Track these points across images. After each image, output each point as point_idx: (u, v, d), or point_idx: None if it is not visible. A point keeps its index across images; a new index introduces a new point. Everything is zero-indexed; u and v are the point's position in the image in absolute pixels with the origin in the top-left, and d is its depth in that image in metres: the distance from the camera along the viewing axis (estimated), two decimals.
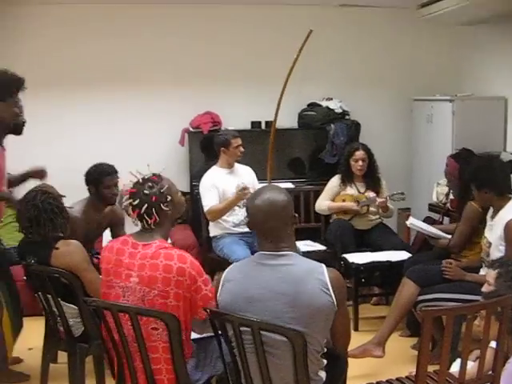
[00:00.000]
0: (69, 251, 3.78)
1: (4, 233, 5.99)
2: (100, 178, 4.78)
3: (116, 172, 4.88)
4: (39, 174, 4.62)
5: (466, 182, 4.74)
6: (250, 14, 7.24)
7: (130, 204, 3.10)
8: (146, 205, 3.06)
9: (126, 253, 3.11)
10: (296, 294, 2.70)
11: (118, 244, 3.17)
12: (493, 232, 4.37)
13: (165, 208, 3.10)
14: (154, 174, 3.19)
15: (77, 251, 3.79)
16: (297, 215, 2.93)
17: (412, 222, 5.48)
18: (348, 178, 6.13)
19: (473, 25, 7.02)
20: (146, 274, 3.00)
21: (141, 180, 3.16)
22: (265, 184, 4.90)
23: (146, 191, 3.09)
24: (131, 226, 3.37)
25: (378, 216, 6.12)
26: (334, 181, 6.22)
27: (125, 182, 3.23)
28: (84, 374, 3.90)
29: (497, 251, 4.27)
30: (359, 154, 6.03)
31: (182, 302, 3.00)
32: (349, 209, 6.04)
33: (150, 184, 3.12)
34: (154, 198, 3.08)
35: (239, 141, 5.88)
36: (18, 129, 4.48)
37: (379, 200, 5.95)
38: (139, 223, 3.15)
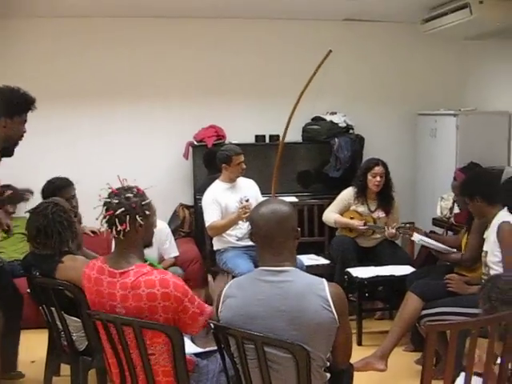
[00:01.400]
0: (75, 266, 3.76)
1: (8, 244, 6.02)
2: (56, 192, 4.74)
3: (72, 184, 4.86)
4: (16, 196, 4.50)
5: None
6: (255, 28, 7.25)
7: (108, 203, 3.00)
8: (122, 208, 2.96)
9: (104, 282, 3.01)
10: (297, 311, 2.68)
11: (95, 273, 3.07)
12: (488, 241, 4.38)
13: (139, 220, 3.00)
14: (139, 187, 3.13)
15: (82, 267, 3.77)
16: (299, 229, 2.92)
17: (419, 238, 5.45)
18: (362, 193, 6.07)
19: (477, 39, 7.03)
20: (131, 304, 2.93)
21: (125, 186, 3.09)
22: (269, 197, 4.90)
23: (128, 195, 3.01)
24: None
25: (383, 235, 6.07)
26: (347, 194, 6.16)
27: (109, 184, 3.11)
28: None
29: (493, 256, 4.29)
30: (378, 169, 5.96)
31: (172, 323, 2.97)
32: (355, 228, 6.02)
33: (134, 191, 3.06)
34: (133, 205, 2.99)
35: (241, 158, 5.86)
36: (8, 151, 4.41)
37: (388, 232, 5.89)
38: (105, 228, 3.03)
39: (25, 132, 4.38)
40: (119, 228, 2.96)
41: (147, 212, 3.06)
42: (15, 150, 4.33)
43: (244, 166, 5.88)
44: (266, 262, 2.83)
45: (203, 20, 7.11)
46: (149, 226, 3.11)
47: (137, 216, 2.99)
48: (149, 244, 3.19)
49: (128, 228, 2.97)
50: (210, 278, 6.08)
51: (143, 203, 3.04)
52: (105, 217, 3.00)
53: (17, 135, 4.10)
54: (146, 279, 2.91)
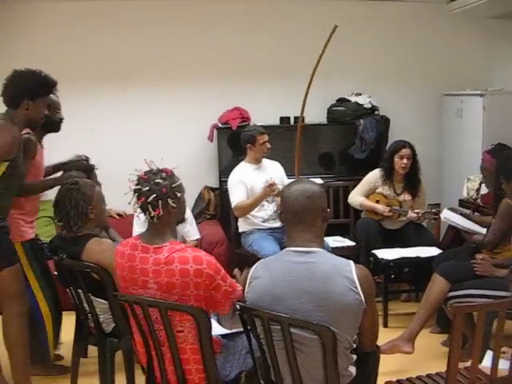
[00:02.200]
0: (102, 249, 3.78)
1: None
2: None
3: (92, 169, 4.92)
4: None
5: (498, 175, 4.71)
6: (277, 8, 7.21)
7: (138, 190, 3.04)
8: (154, 194, 3.00)
9: (137, 258, 3.06)
10: (323, 292, 2.68)
11: (128, 249, 3.12)
12: None
13: (171, 203, 3.05)
14: (167, 168, 3.15)
15: (109, 250, 3.77)
16: (329, 210, 2.92)
17: (446, 215, 5.43)
18: (389, 175, 6.04)
19: (503, 18, 6.95)
20: (163, 280, 2.96)
21: (154, 170, 3.12)
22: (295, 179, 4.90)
23: (158, 180, 3.03)
24: None
25: (408, 218, 6.02)
26: (373, 176, 6.14)
27: (137, 170, 3.13)
28: (114, 369, 3.92)
29: None
30: (405, 151, 5.92)
31: (203, 302, 2.99)
32: (380, 212, 6.01)
33: (163, 175, 3.08)
34: (164, 190, 3.02)
35: (265, 137, 5.87)
36: (55, 126, 4.55)
37: (412, 215, 5.86)
38: (141, 215, 3.10)
39: (59, 110, 4.58)
40: (153, 214, 3.01)
41: (178, 194, 3.10)
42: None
43: (269, 146, 5.88)
44: (294, 241, 2.83)
45: (226, 1, 7.09)
46: (180, 206, 3.15)
47: (169, 199, 3.04)
48: (181, 220, 3.38)
49: (162, 213, 3.02)
50: (236, 271, 6.09)
51: (173, 186, 3.08)
52: (137, 204, 3.05)
53: (39, 117, 4.14)
54: (179, 255, 2.96)
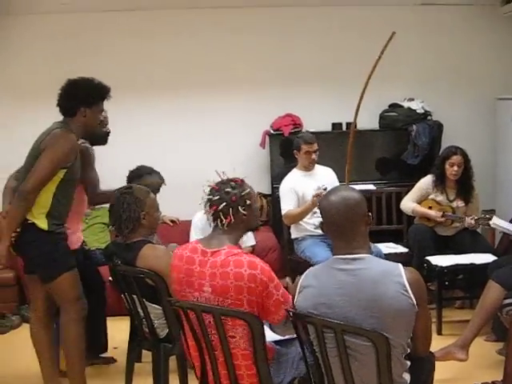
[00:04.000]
0: (155, 255, 3.84)
1: (89, 234, 6.19)
2: (135, 180, 4.92)
3: (150, 173, 5.05)
4: None
5: None
6: (330, 15, 7.22)
7: (209, 199, 3.13)
8: (224, 203, 3.09)
9: (196, 261, 3.11)
10: (374, 298, 2.67)
11: (187, 252, 3.17)
12: None
13: (242, 211, 3.12)
14: (238, 178, 3.23)
15: (163, 256, 3.82)
16: (370, 214, 2.91)
17: (495, 221, 5.36)
18: (440, 181, 6.00)
19: None
20: (218, 283, 2.99)
21: (225, 180, 3.20)
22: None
23: (227, 189, 3.12)
24: None
25: (462, 225, 5.96)
26: (425, 182, 6.10)
27: (209, 181, 3.23)
28: (168, 373, 3.96)
29: None
30: (456, 158, 5.87)
31: (255, 308, 3.00)
32: (433, 219, 5.95)
33: (232, 184, 3.16)
34: (233, 198, 3.10)
35: (311, 147, 5.84)
36: (103, 139, 4.66)
37: (470, 221, 5.79)
38: (213, 223, 3.17)
39: (106, 124, 4.69)
40: (224, 221, 3.10)
41: (248, 201, 3.16)
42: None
43: (313, 157, 5.86)
44: (340, 250, 2.83)
45: (278, 9, 7.12)
46: (252, 213, 3.22)
47: (239, 207, 3.11)
48: (254, 228, 3.40)
49: (233, 220, 3.10)
50: (287, 279, 6.10)
51: (243, 194, 3.15)
52: (209, 212, 3.15)
53: (95, 124, 4.25)
54: (235, 259, 3.00)
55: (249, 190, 3.20)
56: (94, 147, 4.62)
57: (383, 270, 2.75)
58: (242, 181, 3.22)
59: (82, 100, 4.09)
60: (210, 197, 3.14)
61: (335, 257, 2.84)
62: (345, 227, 2.80)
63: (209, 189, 3.18)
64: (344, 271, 2.76)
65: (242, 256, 3.03)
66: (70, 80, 4.16)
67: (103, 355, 4.97)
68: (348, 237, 2.80)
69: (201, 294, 3.06)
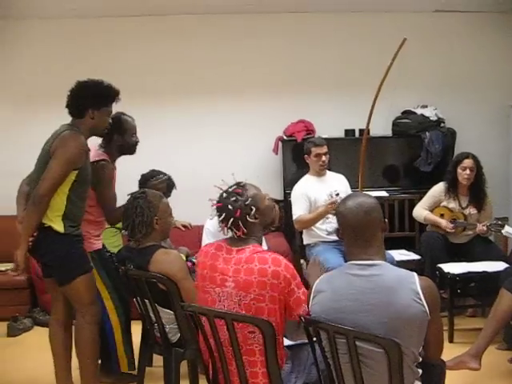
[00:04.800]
0: (168, 260, 3.86)
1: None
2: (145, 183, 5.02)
3: (157, 174, 5.17)
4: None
5: None
6: (343, 21, 7.25)
7: (218, 216, 3.20)
8: (231, 219, 3.13)
9: (220, 258, 3.17)
10: (388, 305, 2.67)
11: (213, 249, 3.24)
12: None
13: (251, 220, 3.15)
14: (238, 186, 3.24)
15: (176, 261, 3.86)
16: (386, 220, 2.93)
17: (508, 230, 5.35)
18: (453, 188, 6.00)
19: None
20: (242, 278, 3.04)
21: (224, 194, 3.22)
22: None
23: (229, 206, 3.15)
24: None
25: (474, 232, 5.95)
26: (438, 189, 6.10)
27: (211, 196, 3.29)
28: (179, 378, 3.95)
29: None
30: (468, 162, 5.88)
31: (277, 304, 3.04)
32: (443, 228, 5.94)
33: (233, 198, 3.17)
34: (238, 213, 3.13)
35: (320, 149, 5.82)
36: (131, 149, 4.66)
37: (481, 228, 5.79)
38: (211, 227, 3.24)
39: (135, 133, 4.67)
40: (238, 234, 3.16)
41: (253, 208, 3.17)
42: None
43: (323, 159, 5.83)
44: (355, 255, 2.84)
45: (291, 15, 7.16)
46: (263, 212, 3.25)
47: (247, 217, 3.15)
48: (272, 223, 3.40)
49: (245, 230, 3.15)
50: (302, 261, 6.12)
51: (246, 203, 3.16)
52: (223, 228, 3.23)
53: (103, 126, 4.25)
54: (259, 256, 3.08)
55: (252, 194, 3.21)
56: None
57: (398, 277, 2.76)
58: (243, 187, 3.23)
59: (91, 101, 4.10)
60: (218, 214, 3.20)
61: (350, 262, 2.85)
62: (361, 231, 2.82)
63: (214, 208, 3.23)
64: (359, 277, 2.77)
65: (267, 253, 3.11)
66: (80, 81, 4.17)
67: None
68: (364, 242, 2.82)
69: (222, 289, 3.11)
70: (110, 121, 4.33)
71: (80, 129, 4.08)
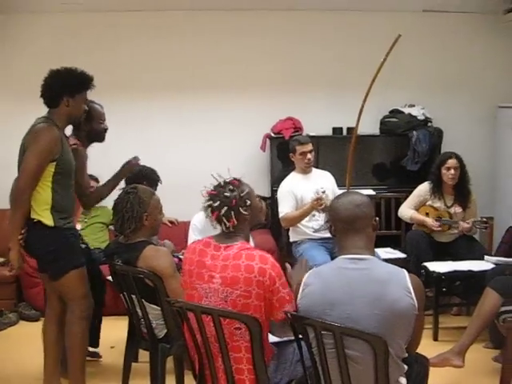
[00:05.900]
0: (157, 256, 3.87)
1: (88, 233, 6.18)
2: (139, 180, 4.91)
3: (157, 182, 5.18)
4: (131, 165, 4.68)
5: None
6: (332, 20, 7.23)
7: (210, 206, 3.18)
8: (225, 207, 3.13)
9: (208, 255, 3.18)
10: (379, 297, 2.71)
11: (201, 246, 3.25)
12: None
13: (243, 212, 3.17)
14: (234, 179, 3.26)
15: (165, 258, 3.87)
16: (378, 219, 2.97)
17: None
18: (437, 188, 6.03)
19: None
20: (229, 274, 3.05)
21: (222, 183, 3.23)
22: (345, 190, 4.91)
23: (226, 194, 3.16)
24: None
25: (459, 231, 5.98)
26: (423, 189, 6.13)
27: (206, 184, 3.27)
28: (165, 374, 3.95)
29: None
30: (452, 162, 5.91)
31: (263, 302, 3.05)
32: (429, 226, 5.97)
33: (230, 187, 3.19)
34: (233, 202, 3.14)
35: (305, 147, 5.82)
36: (100, 136, 4.60)
37: (464, 225, 5.84)
38: (218, 226, 3.22)
39: (103, 120, 4.59)
40: (228, 225, 3.15)
41: (248, 202, 3.20)
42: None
43: (308, 157, 5.83)
44: (346, 249, 2.89)
45: (280, 13, 7.14)
46: (254, 210, 3.28)
47: (240, 209, 3.16)
48: (258, 223, 3.51)
49: (236, 222, 3.15)
50: (287, 265, 6.12)
51: (242, 195, 3.19)
52: (212, 218, 3.21)
53: (79, 113, 4.19)
54: (247, 253, 3.09)
55: (247, 189, 3.24)
56: (95, 145, 4.63)
57: (389, 272, 2.81)
58: (240, 181, 3.26)
59: (65, 90, 4.05)
60: (210, 202, 3.18)
61: (341, 257, 2.89)
62: (351, 222, 2.87)
63: (207, 195, 3.21)
64: (351, 270, 2.82)
65: (255, 251, 3.12)
66: (52, 70, 4.12)
67: (92, 349, 4.91)
68: (354, 232, 2.87)
69: (209, 285, 3.11)
70: (86, 108, 4.30)
71: (55, 119, 4.03)
